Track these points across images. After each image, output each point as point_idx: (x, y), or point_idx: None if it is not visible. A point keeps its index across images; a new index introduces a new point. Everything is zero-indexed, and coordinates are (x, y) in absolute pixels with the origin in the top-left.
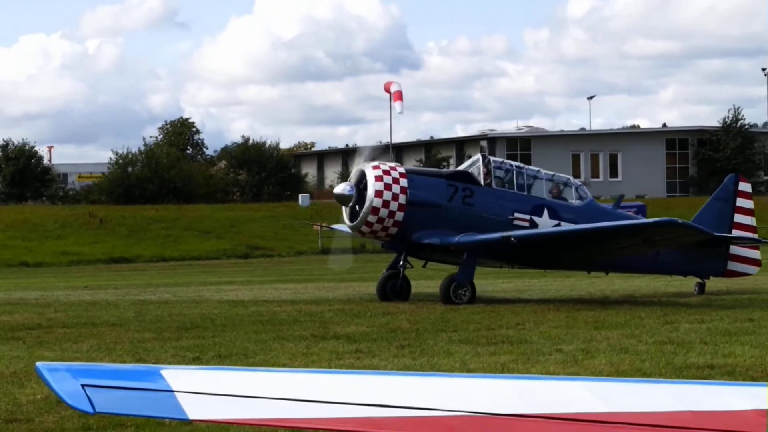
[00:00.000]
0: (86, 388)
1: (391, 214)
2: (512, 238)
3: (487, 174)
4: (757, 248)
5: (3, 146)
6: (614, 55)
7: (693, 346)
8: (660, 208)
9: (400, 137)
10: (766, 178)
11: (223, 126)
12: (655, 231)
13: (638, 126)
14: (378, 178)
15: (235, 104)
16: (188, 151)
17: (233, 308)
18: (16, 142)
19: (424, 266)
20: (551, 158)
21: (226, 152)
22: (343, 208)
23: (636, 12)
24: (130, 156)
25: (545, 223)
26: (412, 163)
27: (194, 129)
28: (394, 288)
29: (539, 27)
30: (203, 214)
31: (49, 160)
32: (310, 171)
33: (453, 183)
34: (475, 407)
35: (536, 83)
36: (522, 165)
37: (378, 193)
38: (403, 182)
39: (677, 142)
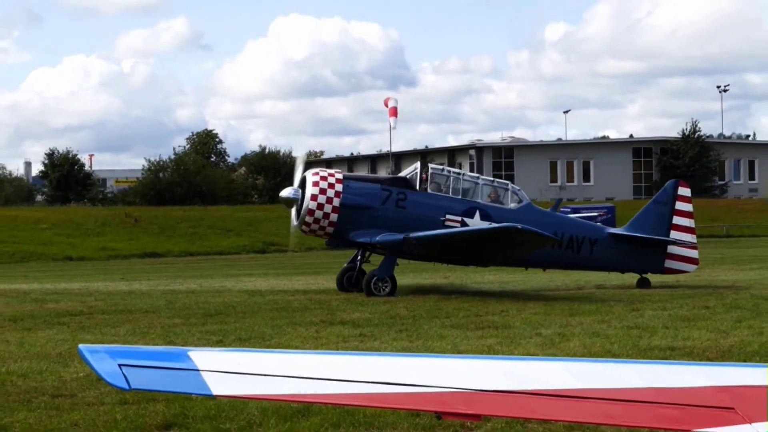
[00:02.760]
0: (122, 367)
1: (326, 215)
2: (411, 238)
3: (425, 180)
4: (695, 248)
5: (49, 155)
6: (587, 73)
7: (656, 330)
8: (627, 210)
9: (398, 146)
10: (720, 183)
11: (243, 136)
12: (500, 235)
13: (608, 137)
14: (315, 183)
15: (252, 117)
16: (212, 159)
17: (252, 297)
18: (60, 151)
19: (367, 260)
20: (532, 165)
21: (246, 160)
22: (292, 210)
23: (606, 35)
24: (161, 163)
25: (476, 224)
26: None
27: (217, 139)
28: (351, 280)
29: (521, 49)
30: (225, 215)
31: (90, 166)
32: None
33: (387, 188)
34: (465, 384)
35: (518, 98)
36: (462, 172)
37: (314, 197)
38: (339, 187)
39: (642, 151)
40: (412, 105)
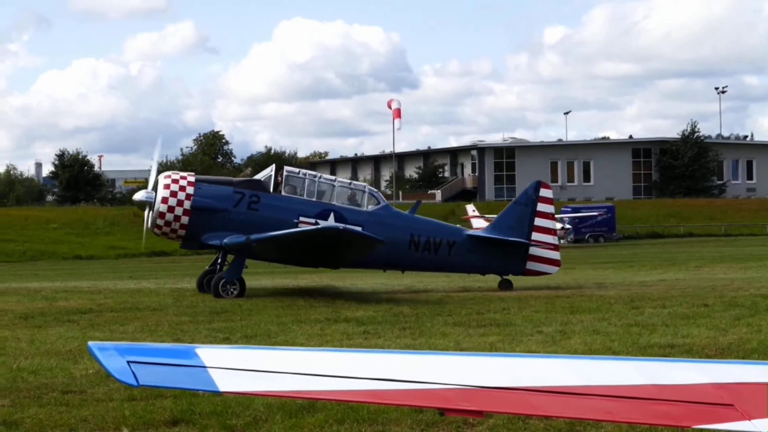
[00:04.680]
0: (131, 364)
1: (177, 218)
2: (252, 240)
3: (279, 183)
4: (557, 249)
5: (59, 156)
6: (585, 76)
7: (656, 328)
8: (626, 209)
9: (401, 147)
10: (719, 182)
11: (249, 138)
12: (325, 235)
13: (608, 137)
14: (166, 186)
15: (258, 119)
16: (219, 160)
17: (258, 295)
18: (70, 152)
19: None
20: (533, 165)
21: (252, 160)
22: (147, 212)
23: (602, 38)
24: (168, 164)
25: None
26: (411, 171)
27: (224, 140)
28: (210, 283)
29: (519, 52)
30: None
31: (99, 167)
32: None
33: (240, 191)
34: (468, 381)
35: (518, 100)
36: (318, 174)
37: (164, 200)
38: (190, 190)
39: (642, 152)
40: (414, 107)
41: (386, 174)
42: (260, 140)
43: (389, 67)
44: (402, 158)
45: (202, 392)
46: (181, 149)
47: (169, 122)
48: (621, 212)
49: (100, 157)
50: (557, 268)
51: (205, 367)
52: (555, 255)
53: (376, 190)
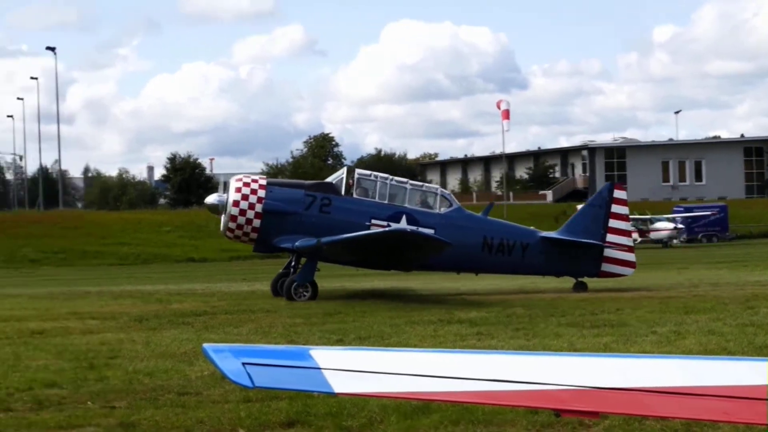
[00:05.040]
0: (246, 366)
1: (249, 221)
2: (322, 243)
3: (351, 185)
4: (631, 250)
5: (171, 159)
6: (695, 74)
7: None
8: (739, 208)
9: (511, 148)
10: None
11: (359, 139)
12: (392, 238)
13: (719, 136)
14: (237, 189)
15: (367, 121)
16: (329, 162)
17: (371, 297)
18: (182, 155)
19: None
20: (644, 165)
21: (362, 162)
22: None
23: (712, 36)
24: (279, 166)
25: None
26: (522, 171)
27: (334, 142)
28: (283, 286)
29: (629, 51)
30: None
31: (211, 170)
32: (434, 178)
33: (312, 193)
34: (583, 382)
35: (628, 100)
36: (389, 177)
37: (235, 203)
38: (261, 193)
39: (754, 150)
40: (523, 107)
41: (497, 175)
42: (370, 142)
43: (498, 67)
44: (512, 159)
45: (317, 393)
46: (291, 152)
47: (279, 125)
48: (734, 211)
49: (211, 159)
50: (632, 270)
51: (319, 368)
52: (630, 256)
53: (448, 192)
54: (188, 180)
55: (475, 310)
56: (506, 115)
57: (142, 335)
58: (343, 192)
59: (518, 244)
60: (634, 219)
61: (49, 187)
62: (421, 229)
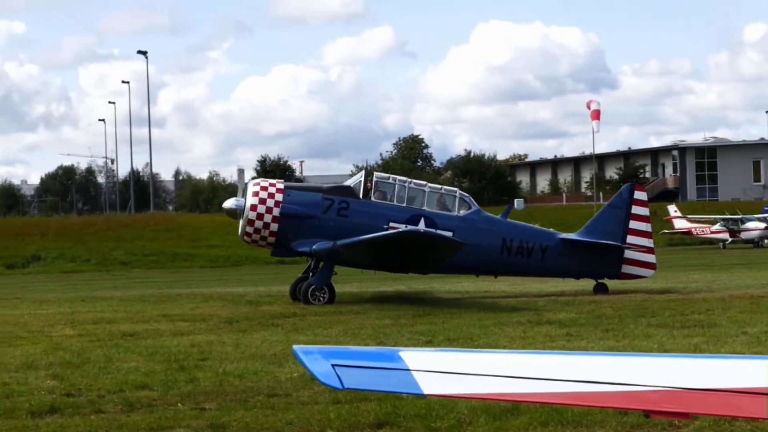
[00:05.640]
0: (336, 367)
1: (266, 225)
2: (338, 246)
3: (369, 188)
4: (652, 252)
5: (261, 161)
6: None
7: None
8: None
9: (601, 148)
10: None
11: (448, 141)
12: (406, 239)
13: None
14: (255, 194)
15: (457, 122)
16: (418, 163)
17: (460, 298)
18: (272, 158)
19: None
20: (735, 165)
21: (451, 163)
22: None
23: None
24: (369, 167)
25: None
26: (612, 172)
27: (423, 144)
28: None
29: (720, 50)
30: None
31: (301, 172)
32: (523, 179)
33: (329, 197)
34: (673, 383)
35: (719, 99)
36: (408, 180)
37: (253, 207)
38: (279, 197)
39: None
40: (613, 107)
41: (586, 175)
42: (459, 143)
43: (588, 67)
44: (602, 159)
45: (406, 395)
46: (381, 154)
47: (369, 126)
48: None
49: (301, 162)
50: (653, 271)
51: (408, 370)
52: (650, 258)
53: (467, 194)
54: None
55: (565, 311)
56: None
57: (232, 337)
58: (361, 195)
59: (537, 246)
60: (724, 219)
61: (140, 190)
62: (430, 230)
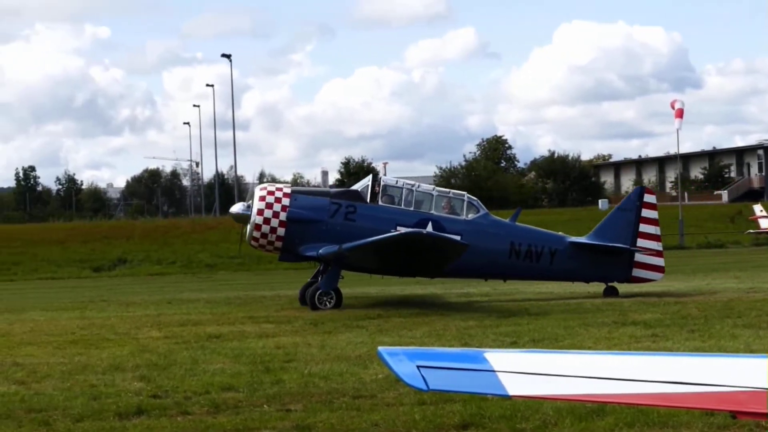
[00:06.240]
0: (421, 368)
1: (273, 230)
2: (343, 250)
3: (377, 193)
4: (661, 255)
5: (345, 163)
6: None
7: None
8: None
9: (685, 148)
10: None
11: (531, 141)
12: (409, 241)
13: None
14: (261, 198)
15: (540, 122)
16: (502, 164)
17: (544, 300)
18: (355, 160)
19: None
20: None
21: (535, 164)
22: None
23: None
24: (452, 169)
25: None
26: (697, 172)
27: (507, 145)
28: None
29: None
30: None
31: (384, 173)
32: (607, 179)
33: (337, 201)
34: (760, 384)
35: None
36: (415, 183)
37: (259, 212)
38: (285, 201)
39: None
40: (697, 106)
41: (671, 175)
42: (543, 144)
43: (672, 67)
44: (687, 159)
45: (491, 396)
46: (464, 155)
47: (452, 128)
48: None
49: (385, 164)
50: (661, 275)
51: (493, 371)
52: (659, 261)
53: (475, 198)
54: None
55: (650, 311)
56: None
57: (317, 338)
58: (368, 199)
59: (546, 249)
60: None
61: (225, 192)
62: (433, 231)
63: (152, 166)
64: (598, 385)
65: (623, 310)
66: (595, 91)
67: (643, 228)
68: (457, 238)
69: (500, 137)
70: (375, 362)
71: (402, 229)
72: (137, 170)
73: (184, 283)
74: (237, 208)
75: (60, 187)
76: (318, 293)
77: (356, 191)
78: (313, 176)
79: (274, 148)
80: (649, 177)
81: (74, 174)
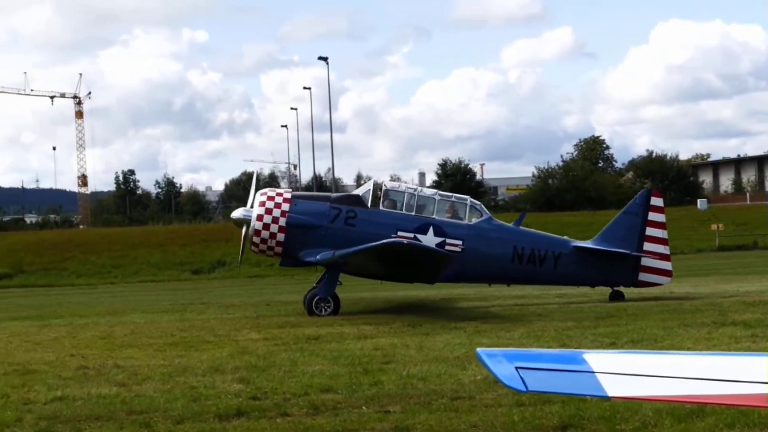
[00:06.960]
0: (519, 370)
1: (273, 235)
2: (337, 256)
3: (377, 197)
4: (668, 259)
5: (441, 165)
6: None
7: None
8: None
9: None
10: None
11: (629, 141)
12: (386, 250)
13: None
14: (261, 204)
15: (638, 122)
16: (600, 165)
17: (643, 300)
18: (452, 161)
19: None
20: None
21: (633, 164)
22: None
23: None
24: (549, 170)
25: (429, 240)
26: None
27: (604, 145)
28: None
29: None
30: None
31: (481, 175)
32: (706, 179)
33: (337, 206)
34: None
35: None
36: (417, 188)
37: (259, 217)
38: (285, 207)
39: None
40: None
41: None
42: (640, 144)
43: None
44: None
45: (591, 397)
46: (561, 155)
47: (549, 128)
48: None
49: (482, 165)
50: (668, 279)
51: (593, 372)
52: (666, 265)
53: (479, 202)
54: (459, 185)
55: (750, 311)
56: None
57: (415, 340)
58: (369, 204)
59: (550, 254)
60: None
61: None
62: (425, 240)
63: (250, 168)
64: (697, 385)
65: (723, 310)
66: (693, 91)
67: (650, 231)
68: (460, 242)
69: (597, 137)
70: (473, 363)
71: (403, 234)
72: (235, 173)
73: (283, 285)
74: (238, 213)
75: (159, 190)
76: (316, 299)
77: (357, 196)
78: (410, 177)
79: (371, 150)
80: (749, 176)
81: (173, 177)
